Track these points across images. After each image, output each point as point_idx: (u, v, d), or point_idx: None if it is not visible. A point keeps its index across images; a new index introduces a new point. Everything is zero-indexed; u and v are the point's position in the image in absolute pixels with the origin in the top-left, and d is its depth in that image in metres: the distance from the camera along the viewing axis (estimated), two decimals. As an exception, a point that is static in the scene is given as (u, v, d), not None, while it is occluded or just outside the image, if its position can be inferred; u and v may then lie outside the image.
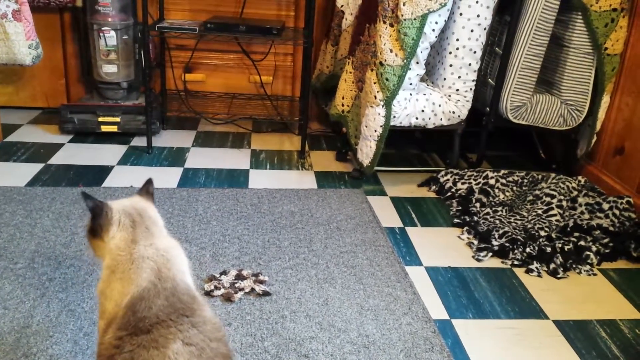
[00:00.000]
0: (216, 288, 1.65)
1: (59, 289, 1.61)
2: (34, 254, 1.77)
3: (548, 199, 2.24)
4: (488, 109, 2.48)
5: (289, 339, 1.48)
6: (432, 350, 1.48)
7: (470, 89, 2.37)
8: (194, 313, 0.99)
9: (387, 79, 2.21)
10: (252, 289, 1.66)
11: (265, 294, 1.66)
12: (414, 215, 2.23)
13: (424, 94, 2.34)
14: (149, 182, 1.22)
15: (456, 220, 2.19)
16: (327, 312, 1.60)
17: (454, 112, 2.38)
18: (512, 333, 1.59)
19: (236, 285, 1.67)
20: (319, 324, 1.55)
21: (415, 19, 2.14)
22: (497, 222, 2.13)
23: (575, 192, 2.30)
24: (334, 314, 1.59)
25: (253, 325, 1.53)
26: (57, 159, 2.52)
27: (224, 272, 1.73)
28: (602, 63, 2.35)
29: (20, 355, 1.36)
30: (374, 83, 2.25)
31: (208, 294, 1.63)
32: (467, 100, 2.38)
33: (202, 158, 2.66)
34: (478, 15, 2.25)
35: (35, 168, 2.41)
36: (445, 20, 2.22)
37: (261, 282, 1.71)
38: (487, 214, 2.20)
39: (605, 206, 2.19)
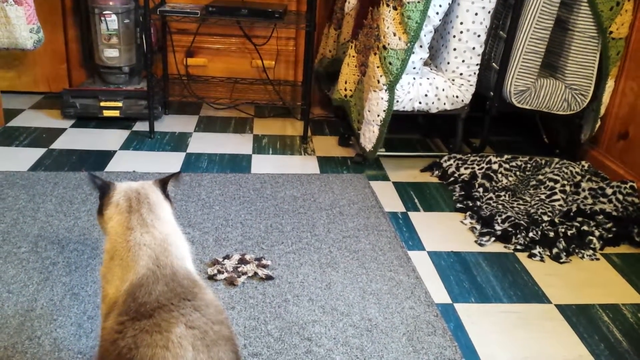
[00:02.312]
0: (219, 272, 1.66)
1: (62, 273, 1.62)
2: (37, 238, 1.77)
3: (551, 183, 2.24)
4: (492, 93, 2.46)
5: (292, 323, 1.49)
6: (434, 333, 1.48)
7: (474, 73, 2.35)
8: (196, 297, 0.99)
9: (390, 63, 2.20)
10: (255, 273, 1.67)
11: (268, 278, 1.66)
12: (416, 200, 2.23)
13: (428, 78, 2.33)
14: (176, 174, 1.21)
15: (459, 205, 2.19)
16: (330, 296, 1.60)
17: (457, 97, 2.37)
18: (515, 317, 1.59)
19: (239, 269, 1.67)
20: (321, 308, 1.55)
21: (419, 2, 2.12)
22: (500, 207, 2.13)
23: (579, 177, 2.29)
24: (336, 298, 1.60)
25: (256, 308, 1.53)
26: (59, 144, 2.51)
27: (227, 257, 1.74)
28: (607, 47, 2.33)
29: (24, 338, 1.37)
30: (377, 67, 2.23)
31: (211, 278, 1.64)
32: (471, 85, 2.37)
33: (204, 143, 2.65)
34: (482, -1, 2.23)
35: (37, 153, 2.41)
36: (449, 3, 2.19)
37: (264, 266, 1.71)
38: (490, 198, 2.19)
39: (609, 191, 2.19)
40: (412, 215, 2.12)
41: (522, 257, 1.89)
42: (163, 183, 1.19)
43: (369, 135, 2.36)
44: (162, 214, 1.13)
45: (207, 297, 1.01)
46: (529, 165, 2.41)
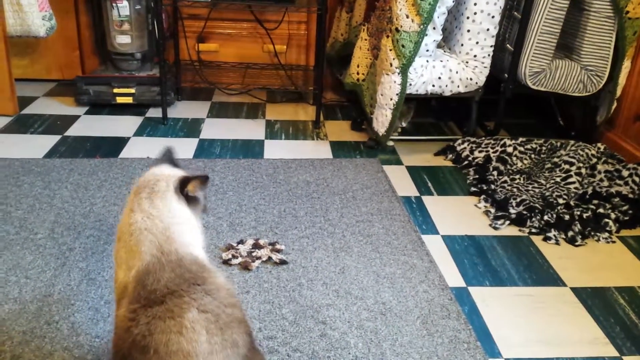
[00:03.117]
0: (234, 257, 1.66)
1: (79, 259, 1.64)
2: (53, 225, 1.79)
3: (567, 166, 2.22)
4: (506, 75, 2.43)
5: (306, 306, 1.50)
6: (448, 317, 1.48)
7: (488, 55, 2.32)
8: (206, 281, 0.99)
9: (403, 46, 2.18)
10: (269, 258, 1.68)
11: (282, 262, 1.67)
12: (430, 184, 2.22)
13: (441, 61, 2.31)
14: (202, 178, 1.13)
15: (473, 189, 2.17)
16: (344, 280, 1.61)
17: (471, 79, 2.34)
18: (530, 300, 1.59)
19: (253, 254, 1.68)
20: (335, 292, 1.56)
21: (431, -16, 2.10)
22: (515, 190, 2.11)
23: (595, 160, 2.27)
24: (350, 282, 1.60)
25: (271, 292, 1.54)
26: (73, 131, 2.53)
27: (241, 242, 1.74)
28: (623, 27, 2.29)
29: (42, 323, 1.39)
30: (390, 50, 2.21)
31: (226, 262, 1.65)
32: (485, 67, 2.34)
33: (217, 129, 2.66)
34: (496, -21, 2.19)
35: (52, 140, 2.42)
36: (462, -15, 2.17)
37: (278, 251, 1.71)
38: (505, 182, 2.18)
39: (625, 173, 2.16)
40: (426, 199, 2.11)
41: (537, 240, 1.88)
42: (183, 180, 1.12)
43: (382, 119, 2.34)
44: (160, 204, 1.07)
45: (217, 281, 1.01)
46: (544, 148, 2.38)
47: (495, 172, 2.24)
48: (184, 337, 0.91)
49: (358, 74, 2.58)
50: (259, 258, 1.67)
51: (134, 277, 0.99)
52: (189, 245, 1.05)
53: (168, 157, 1.20)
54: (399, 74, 2.22)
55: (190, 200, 1.11)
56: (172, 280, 0.97)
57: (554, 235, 1.88)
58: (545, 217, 1.94)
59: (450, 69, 2.31)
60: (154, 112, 2.79)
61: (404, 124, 2.49)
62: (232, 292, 1.02)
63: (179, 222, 1.07)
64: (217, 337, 0.94)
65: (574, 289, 1.64)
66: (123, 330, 0.95)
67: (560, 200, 2.01)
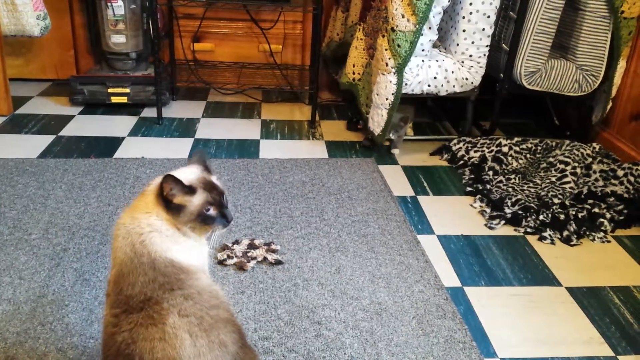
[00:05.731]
0: (229, 257, 1.66)
1: (73, 259, 1.63)
2: (47, 225, 1.78)
3: (562, 166, 2.22)
4: (502, 75, 2.44)
5: (301, 307, 1.49)
6: (444, 317, 1.48)
7: (484, 55, 2.32)
8: (184, 284, 0.97)
9: (398, 46, 2.17)
10: (265, 258, 1.67)
11: (278, 262, 1.66)
12: (425, 184, 2.22)
13: (437, 61, 2.31)
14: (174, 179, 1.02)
15: (468, 189, 2.17)
16: (339, 280, 1.61)
17: (467, 79, 2.34)
18: (525, 300, 1.59)
19: (249, 254, 1.68)
20: (331, 292, 1.55)
21: (427, -17, 2.09)
22: (510, 189, 2.11)
23: (590, 159, 2.27)
24: (346, 282, 1.60)
25: (266, 293, 1.54)
26: (68, 131, 2.52)
27: (237, 242, 1.74)
28: (619, 27, 2.29)
29: (36, 324, 1.38)
30: (385, 50, 2.21)
31: (221, 263, 1.64)
32: (481, 67, 2.34)
33: (212, 129, 2.65)
34: (492, -21, 2.19)
35: (46, 140, 2.41)
36: (457, -16, 2.17)
37: (273, 251, 1.71)
38: (500, 181, 2.18)
39: (620, 173, 2.16)
40: (421, 199, 2.11)
41: (532, 240, 1.88)
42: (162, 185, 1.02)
43: (378, 119, 2.34)
44: (143, 207, 1.03)
45: (197, 283, 0.99)
46: (539, 148, 2.39)
47: (490, 172, 2.24)
48: (167, 344, 0.91)
49: (354, 73, 2.57)
50: (254, 258, 1.67)
51: (113, 276, 0.99)
52: (167, 251, 1.00)
53: (198, 159, 1.12)
54: (394, 73, 2.22)
55: (172, 206, 1.01)
56: (146, 285, 0.96)
57: (549, 235, 1.88)
58: (541, 217, 1.94)
59: (446, 68, 2.31)
60: (149, 112, 2.78)
61: (393, 136, 2.40)
62: (215, 294, 1.01)
63: (155, 229, 1.01)
64: (203, 340, 0.94)
65: (569, 289, 1.65)
66: (108, 336, 0.95)
67: (556, 200, 2.02)
